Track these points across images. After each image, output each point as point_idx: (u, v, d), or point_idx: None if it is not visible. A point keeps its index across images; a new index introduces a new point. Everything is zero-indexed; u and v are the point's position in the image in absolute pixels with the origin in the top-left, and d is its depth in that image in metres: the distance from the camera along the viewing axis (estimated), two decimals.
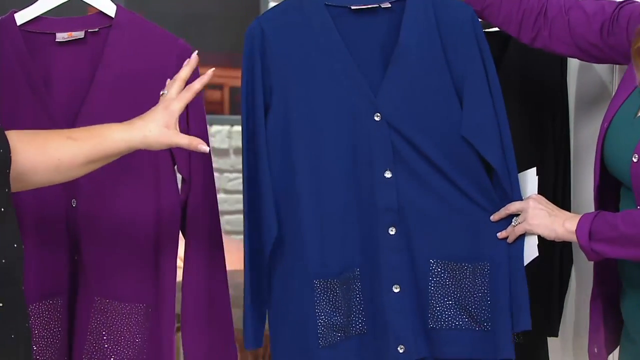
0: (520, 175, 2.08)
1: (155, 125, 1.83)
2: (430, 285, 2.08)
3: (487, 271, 2.07)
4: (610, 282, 2.03)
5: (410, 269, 2.08)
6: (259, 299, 2.09)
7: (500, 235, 2.06)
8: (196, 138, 1.86)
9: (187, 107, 2.16)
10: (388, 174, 2.06)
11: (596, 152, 1.96)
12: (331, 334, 2.06)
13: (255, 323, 2.09)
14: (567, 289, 2.40)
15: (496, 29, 2.20)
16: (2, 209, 1.61)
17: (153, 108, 1.86)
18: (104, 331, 2.11)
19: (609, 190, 1.97)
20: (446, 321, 2.08)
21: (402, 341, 2.06)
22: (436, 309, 2.08)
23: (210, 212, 2.19)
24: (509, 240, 2.06)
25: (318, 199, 2.06)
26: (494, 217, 2.07)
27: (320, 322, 2.05)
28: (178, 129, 1.85)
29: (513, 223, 2.05)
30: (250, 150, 2.07)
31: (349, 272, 2.08)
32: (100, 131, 1.81)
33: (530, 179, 2.08)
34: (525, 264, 2.06)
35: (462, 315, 2.08)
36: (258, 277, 2.08)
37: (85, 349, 2.10)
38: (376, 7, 2.08)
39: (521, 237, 2.05)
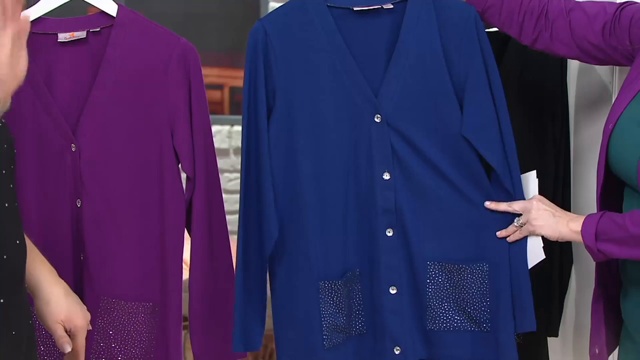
0: (522, 177, 2.09)
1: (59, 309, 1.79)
2: (428, 286, 2.08)
3: (485, 272, 2.07)
4: (611, 283, 2.04)
5: (408, 271, 2.08)
6: (250, 302, 2.08)
7: (500, 234, 2.07)
8: (64, 336, 1.79)
9: (190, 105, 2.16)
10: (387, 176, 2.06)
11: (600, 153, 1.95)
12: (335, 335, 2.07)
13: (245, 326, 2.08)
14: (567, 289, 2.40)
15: (495, 29, 2.20)
16: (6, 205, 1.61)
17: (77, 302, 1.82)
18: (111, 330, 2.11)
19: (612, 190, 1.97)
20: (444, 322, 2.08)
21: (398, 342, 2.07)
22: (434, 311, 2.08)
23: (216, 209, 2.19)
24: (511, 239, 2.06)
25: (321, 201, 2.06)
26: (490, 205, 2.06)
27: (326, 324, 2.05)
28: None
29: (515, 223, 2.05)
30: (250, 152, 2.07)
31: (350, 273, 2.08)
32: (40, 277, 1.78)
33: (531, 181, 2.08)
34: (530, 266, 2.06)
35: (461, 316, 2.08)
36: (250, 279, 2.08)
37: (92, 349, 2.11)
38: (378, 8, 2.08)
39: (524, 238, 2.06)
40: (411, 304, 2.08)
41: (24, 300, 1.67)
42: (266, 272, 2.09)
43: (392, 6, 2.08)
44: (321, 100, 2.07)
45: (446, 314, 2.08)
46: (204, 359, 2.19)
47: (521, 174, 2.10)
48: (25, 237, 1.66)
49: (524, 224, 2.04)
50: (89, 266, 2.11)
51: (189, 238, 2.20)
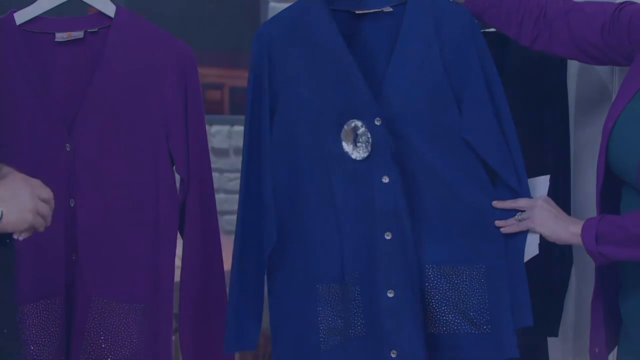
0: (532, 180, 2.09)
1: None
2: (427, 290, 2.08)
3: (483, 274, 2.07)
4: (610, 282, 2.04)
5: (406, 274, 2.07)
6: (245, 301, 2.08)
7: (497, 223, 2.07)
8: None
9: (186, 108, 2.17)
10: (385, 179, 2.06)
11: (600, 152, 1.96)
12: (332, 337, 2.07)
13: (239, 325, 2.08)
14: (567, 289, 2.40)
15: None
16: None
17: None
18: (101, 331, 2.12)
19: (612, 189, 1.97)
20: (444, 325, 2.08)
21: (395, 346, 2.05)
22: (434, 314, 2.08)
23: (209, 212, 2.19)
24: (505, 230, 2.06)
25: (320, 204, 2.07)
26: (497, 204, 2.07)
27: (322, 326, 2.06)
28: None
29: (517, 217, 2.06)
30: (252, 154, 2.07)
31: (349, 276, 2.08)
32: None
33: (542, 184, 2.09)
34: (524, 261, 2.07)
35: (461, 319, 2.08)
36: (246, 279, 2.08)
37: (82, 349, 2.11)
38: (379, 11, 2.09)
39: (524, 233, 2.06)
40: (410, 308, 2.07)
41: (12, 299, 1.67)
42: (264, 273, 2.09)
43: (391, 9, 2.09)
44: (323, 103, 2.07)
45: (446, 317, 2.08)
46: None
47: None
48: None
49: (524, 219, 2.04)
50: (81, 266, 2.11)
51: (182, 240, 2.21)
